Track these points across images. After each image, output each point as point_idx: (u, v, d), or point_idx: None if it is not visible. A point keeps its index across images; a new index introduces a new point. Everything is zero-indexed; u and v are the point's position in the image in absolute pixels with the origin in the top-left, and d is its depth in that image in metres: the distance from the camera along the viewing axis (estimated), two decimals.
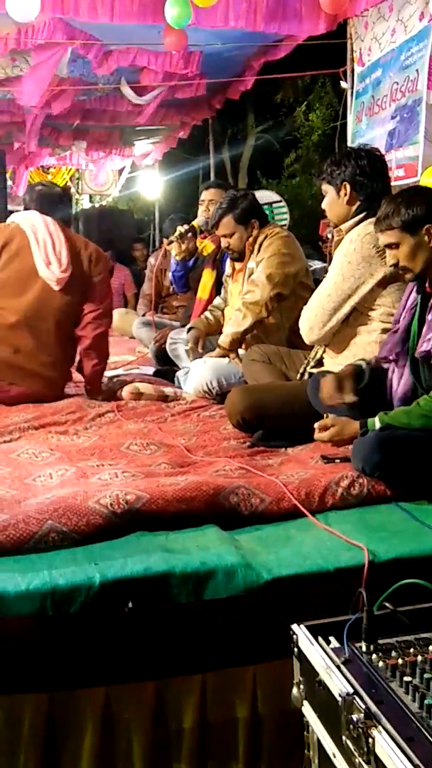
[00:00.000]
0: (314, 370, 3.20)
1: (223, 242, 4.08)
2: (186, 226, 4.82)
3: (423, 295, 2.61)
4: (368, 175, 3.06)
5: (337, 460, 2.59)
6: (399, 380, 2.63)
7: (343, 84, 5.71)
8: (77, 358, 3.87)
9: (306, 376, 3.24)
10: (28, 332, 3.66)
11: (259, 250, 3.89)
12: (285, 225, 6.21)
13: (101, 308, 3.82)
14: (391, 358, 2.68)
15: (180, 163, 13.10)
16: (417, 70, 4.38)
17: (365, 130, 5.11)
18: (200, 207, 4.89)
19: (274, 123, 16.95)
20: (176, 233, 4.80)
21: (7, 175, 9.89)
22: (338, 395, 2.68)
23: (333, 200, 3.15)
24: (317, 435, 2.73)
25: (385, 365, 2.71)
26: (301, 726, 1.57)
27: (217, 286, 4.61)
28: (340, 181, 3.09)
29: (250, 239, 3.94)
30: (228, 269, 4.26)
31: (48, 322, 3.71)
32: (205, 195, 4.84)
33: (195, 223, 4.90)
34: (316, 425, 2.74)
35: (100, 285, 3.84)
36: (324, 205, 3.21)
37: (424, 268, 2.54)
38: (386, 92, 4.78)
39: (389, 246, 2.59)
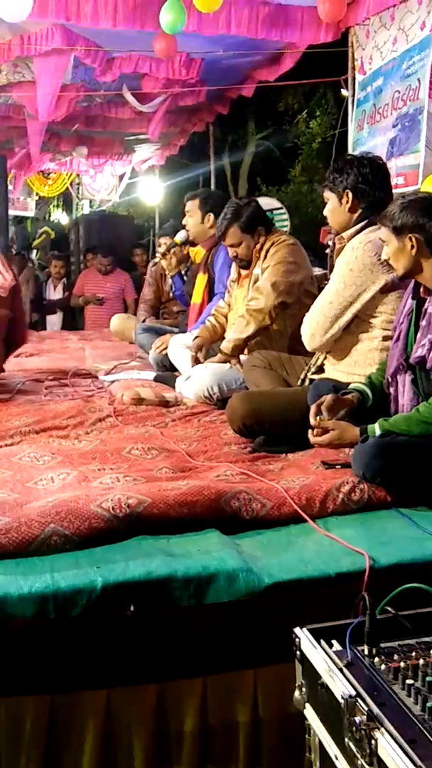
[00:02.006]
0: (315, 377, 3.21)
1: (231, 252, 4.09)
2: (167, 244, 4.97)
3: (418, 301, 2.63)
4: (370, 183, 3.07)
5: (338, 466, 2.60)
6: (403, 393, 2.64)
7: (344, 92, 5.74)
8: None
9: (306, 383, 3.24)
10: None
11: (265, 257, 3.90)
12: (286, 232, 6.26)
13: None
14: (391, 372, 2.69)
15: (180, 169, 13.14)
16: (418, 79, 4.41)
17: (366, 138, 5.14)
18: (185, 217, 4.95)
19: (275, 130, 16.99)
20: (158, 254, 4.98)
21: (8, 180, 9.92)
22: (327, 415, 2.72)
23: (335, 208, 3.16)
24: (314, 439, 2.73)
25: (392, 389, 2.72)
26: (301, 729, 1.58)
27: (209, 289, 4.64)
28: (342, 189, 3.10)
29: (257, 246, 3.96)
30: (233, 274, 4.28)
31: None
32: (191, 205, 4.88)
33: (176, 239, 5.00)
34: (313, 423, 2.73)
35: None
36: (326, 212, 3.22)
37: (406, 273, 2.61)
38: (388, 101, 4.81)
39: (383, 240, 2.65)
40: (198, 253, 4.87)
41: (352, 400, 2.79)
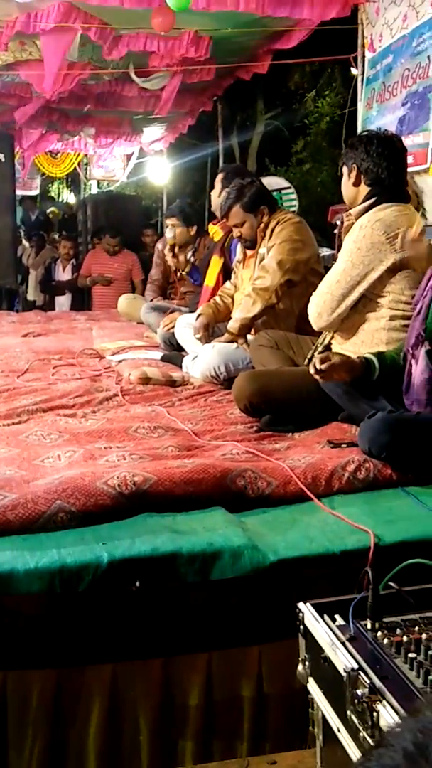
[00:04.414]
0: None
1: (235, 232, 4.08)
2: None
3: None
4: (375, 161, 3.03)
5: (344, 445, 2.60)
6: (417, 366, 2.62)
7: (353, 70, 5.67)
8: None
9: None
10: None
11: (270, 236, 3.89)
12: (294, 211, 6.23)
13: None
14: (411, 344, 2.67)
15: (188, 149, 13.06)
16: (429, 57, 4.37)
17: (376, 116, 5.10)
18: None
19: (284, 109, 16.84)
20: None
21: (16, 160, 9.88)
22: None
23: (345, 182, 3.16)
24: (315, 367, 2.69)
25: (411, 361, 2.70)
26: (304, 704, 1.59)
27: (224, 274, 4.62)
28: (350, 164, 3.09)
29: (261, 225, 3.94)
30: (239, 254, 4.26)
31: None
32: (217, 179, 4.87)
33: (168, 241, 5.30)
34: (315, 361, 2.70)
35: None
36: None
37: None
38: (397, 78, 4.76)
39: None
40: (216, 232, 4.85)
41: (359, 361, 2.77)
